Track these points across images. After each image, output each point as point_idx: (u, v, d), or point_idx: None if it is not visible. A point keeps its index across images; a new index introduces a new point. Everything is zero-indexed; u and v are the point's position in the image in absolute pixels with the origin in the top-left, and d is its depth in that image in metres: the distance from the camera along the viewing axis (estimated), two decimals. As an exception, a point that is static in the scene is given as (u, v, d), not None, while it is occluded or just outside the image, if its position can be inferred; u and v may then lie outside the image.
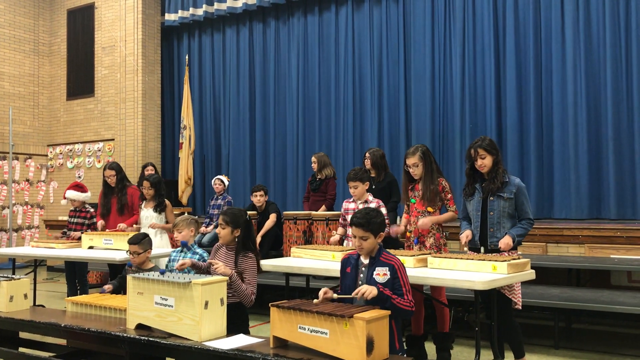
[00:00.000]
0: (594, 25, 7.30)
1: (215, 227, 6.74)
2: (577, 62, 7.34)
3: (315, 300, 3.18)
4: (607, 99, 7.11)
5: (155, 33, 11.11)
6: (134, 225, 6.18)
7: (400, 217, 5.02)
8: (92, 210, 6.61)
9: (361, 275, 3.36)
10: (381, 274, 3.26)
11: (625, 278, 5.94)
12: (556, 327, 5.13)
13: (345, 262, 3.50)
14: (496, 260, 3.76)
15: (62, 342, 4.54)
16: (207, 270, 4.00)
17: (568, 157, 7.32)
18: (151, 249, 4.69)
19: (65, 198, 6.59)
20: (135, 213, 6.24)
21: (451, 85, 8.28)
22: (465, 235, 4.19)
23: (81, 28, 11.65)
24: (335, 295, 3.14)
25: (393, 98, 8.79)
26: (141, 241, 4.53)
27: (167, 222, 6.11)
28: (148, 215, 6.06)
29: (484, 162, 4.13)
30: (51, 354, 4.32)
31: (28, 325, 4.19)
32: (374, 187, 5.60)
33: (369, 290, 3.08)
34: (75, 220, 6.56)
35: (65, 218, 6.94)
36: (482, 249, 4.12)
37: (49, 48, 12.15)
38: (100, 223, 6.25)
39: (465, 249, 4.20)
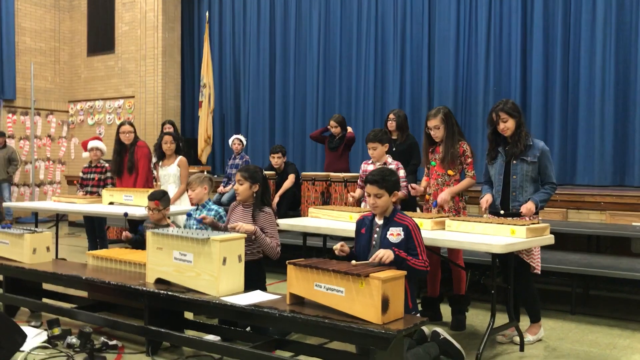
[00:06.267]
0: (627, -15, 7.03)
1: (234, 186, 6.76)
2: (607, 24, 7.09)
3: (335, 246, 3.24)
4: (637, 63, 6.89)
5: (175, -11, 10.97)
6: (157, 183, 6.22)
7: (420, 180, 4.98)
8: (106, 165, 6.64)
9: (375, 235, 3.36)
10: (395, 234, 3.27)
11: (646, 246, 5.87)
12: (573, 293, 5.11)
13: (360, 224, 3.51)
14: (515, 224, 3.73)
15: (84, 294, 4.65)
16: (224, 230, 4.03)
17: (593, 122, 7.16)
18: (169, 207, 4.74)
19: (87, 150, 6.59)
20: (141, 172, 6.24)
21: (476, 47, 8.09)
22: (486, 199, 4.15)
23: (101, -17, 11.55)
24: (353, 262, 3.14)
25: (416, 59, 8.62)
26: (161, 198, 4.59)
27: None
28: (166, 174, 6.06)
29: (506, 125, 4.05)
30: (73, 305, 4.43)
31: (51, 277, 4.29)
32: (394, 149, 5.55)
33: (387, 255, 3.08)
34: (91, 176, 6.59)
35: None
36: (502, 211, 4.08)
37: (70, 3, 12.08)
38: None
39: (485, 215, 4.16)
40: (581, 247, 6.01)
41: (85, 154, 6.69)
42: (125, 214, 4.81)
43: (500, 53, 7.90)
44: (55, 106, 12.00)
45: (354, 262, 3.15)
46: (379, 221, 3.38)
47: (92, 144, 6.56)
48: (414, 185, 4.73)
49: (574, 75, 7.38)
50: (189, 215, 4.59)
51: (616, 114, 7.02)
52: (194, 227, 4.40)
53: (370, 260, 3.15)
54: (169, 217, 4.78)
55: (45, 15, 11.69)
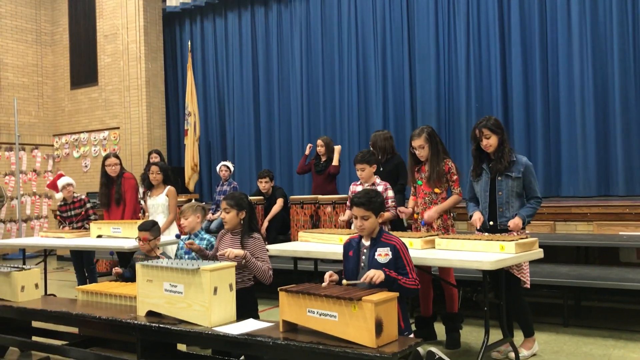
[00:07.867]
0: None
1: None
2: (583, 37, 7.24)
3: (323, 285, 3.20)
4: (614, 73, 7.03)
5: (157, 19, 11.04)
6: (146, 214, 6.20)
7: (408, 199, 5.00)
8: (83, 197, 6.63)
9: (363, 257, 3.36)
10: (383, 255, 3.27)
11: (635, 255, 5.91)
12: (565, 305, 5.13)
13: (347, 247, 3.51)
14: (504, 240, 3.75)
15: (74, 330, 4.59)
16: (213, 258, 4.01)
17: (575, 134, 7.26)
18: (160, 236, 4.72)
19: (59, 190, 6.58)
20: (128, 204, 6.23)
21: (456, 65, 8.21)
22: (478, 217, 4.17)
23: (82, 16, 11.60)
24: (344, 282, 3.14)
25: (397, 79, 8.73)
26: (151, 228, 4.58)
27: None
28: (155, 204, 6.04)
29: (489, 142, 4.10)
30: (64, 342, 4.36)
31: (40, 314, 4.23)
32: (381, 169, 5.57)
33: (377, 275, 3.08)
34: (73, 212, 6.56)
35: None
36: (491, 222, 4.11)
37: (51, 37, 12.11)
38: None
39: (476, 229, 4.19)
40: (570, 259, 6.04)
41: (59, 195, 6.66)
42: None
43: (480, 70, 8.03)
44: (40, 140, 11.95)
45: (345, 281, 3.15)
46: (366, 242, 3.39)
47: (62, 182, 6.56)
48: (401, 208, 4.75)
49: (553, 89, 7.50)
50: (180, 246, 4.57)
51: (597, 125, 7.13)
52: (185, 257, 4.39)
53: (362, 280, 3.15)
54: (158, 248, 4.75)
55: (27, 50, 11.70)
